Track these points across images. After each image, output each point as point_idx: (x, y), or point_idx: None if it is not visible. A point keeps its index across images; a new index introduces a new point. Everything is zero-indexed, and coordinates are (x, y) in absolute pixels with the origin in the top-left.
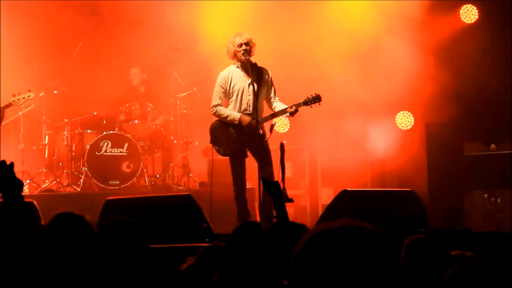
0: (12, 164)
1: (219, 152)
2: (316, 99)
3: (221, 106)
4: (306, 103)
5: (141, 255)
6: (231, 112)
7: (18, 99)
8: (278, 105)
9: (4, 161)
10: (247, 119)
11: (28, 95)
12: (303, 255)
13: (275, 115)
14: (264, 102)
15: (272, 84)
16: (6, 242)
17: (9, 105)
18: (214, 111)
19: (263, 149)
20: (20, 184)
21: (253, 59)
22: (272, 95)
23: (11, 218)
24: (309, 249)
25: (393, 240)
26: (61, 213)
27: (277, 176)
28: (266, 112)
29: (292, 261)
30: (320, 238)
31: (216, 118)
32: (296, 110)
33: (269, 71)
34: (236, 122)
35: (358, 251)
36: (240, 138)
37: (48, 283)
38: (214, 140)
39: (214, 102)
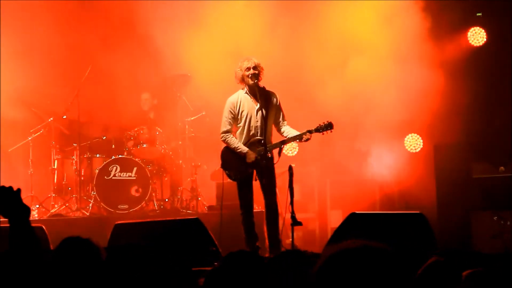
0: (19, 190)
1: (229, 176)
2: (328, 126)
3: (230, 133)
4: (318, 130)
5: (149, 279)
6: (240, 145)
7: None
8: (287, 130)
9: (11, 187)
10: (252, 156)
11: None
12: (322, 274)
13: (285, 142)
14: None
15: (280, 108)
16: (12, 267)
17: None
18: (224, 138)
19: (269, 172)
20: (27, 210)
21: (262, 82)
22: (280, 119)
23: (18, 243)
24: (327, 268)
25: (406, 261)
26: (68, 237)
27: (286, 200)
28: (275, 137)
29: (311, 280)
30: (338, 257)
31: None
32: (308, 138)
33: (277, 95)
34: (243, 155)
35: (375, 270)
36: (249, 163)
37: None
38: (225, 165)
39: (223, 128)
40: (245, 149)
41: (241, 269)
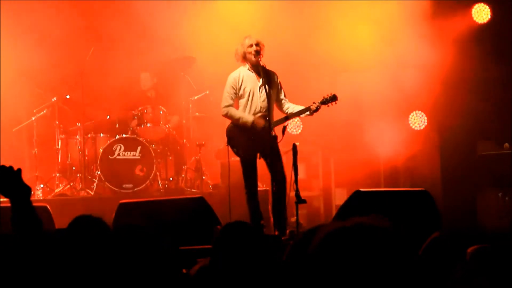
0: (19, 169)
1: (237, 153)
2: (333, 98)
3: (232, 107)
4: (324, 102)
5: (152, 259)
6: (243, 114)
7: None
8: (291, 106)
9: (11, 167)
10: (261, 122)
11: None
12: (318, 253)
13: (288, 117)
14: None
15: (281, 87)
16: (15, 247)
17: None
18: (226, 112)
19: (274, 151)
20: (28, 190)
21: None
22: (282, 96)
23: (20, 223)
24: (323, 247)
25: (408, 237)
26: (80, 215)
27: (291, 178)
28: (276, 115)
29: (307, 259)
30: (334, 236)
31: (227, 119)
32: (317, 109)
33: (277, 74)
34: (249, 125)
35: (372, 248)
36: (254, 141)
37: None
38: (231, 142)
39: (224, 103)
40: (250, 118)
41: (238, 239)
